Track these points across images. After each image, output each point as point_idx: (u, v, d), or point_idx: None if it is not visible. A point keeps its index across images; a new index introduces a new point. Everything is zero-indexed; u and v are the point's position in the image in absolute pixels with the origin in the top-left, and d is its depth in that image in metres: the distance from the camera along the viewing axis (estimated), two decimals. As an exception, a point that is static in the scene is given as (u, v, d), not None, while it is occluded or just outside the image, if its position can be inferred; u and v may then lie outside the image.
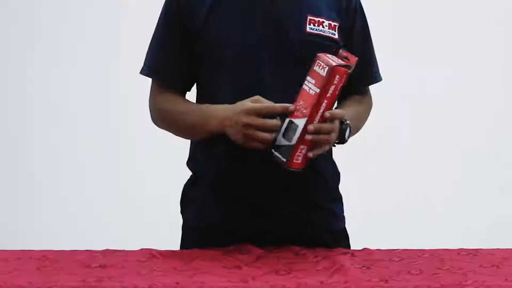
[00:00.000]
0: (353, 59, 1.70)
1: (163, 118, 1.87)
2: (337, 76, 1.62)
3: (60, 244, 2.12)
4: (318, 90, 1.63)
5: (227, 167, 1.81)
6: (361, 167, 3.47)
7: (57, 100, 3.87)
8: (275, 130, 1.66)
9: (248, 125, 1.67)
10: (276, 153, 1.66)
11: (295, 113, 1.65)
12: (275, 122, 1.66)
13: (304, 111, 1.64)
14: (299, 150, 1.64)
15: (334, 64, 1.62)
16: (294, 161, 1.65)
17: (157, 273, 1.51)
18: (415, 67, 3.79)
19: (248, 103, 1.69)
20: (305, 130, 1.63)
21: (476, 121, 3.80)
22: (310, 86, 1.65)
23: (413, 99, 3.80)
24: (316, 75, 1.64)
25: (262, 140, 1.66)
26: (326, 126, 1.66)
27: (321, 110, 1.63)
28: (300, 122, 1.64)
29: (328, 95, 1.63)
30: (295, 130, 1.64)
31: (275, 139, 1.66)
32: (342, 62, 1.65)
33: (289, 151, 1.64)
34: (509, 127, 3.83)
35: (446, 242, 1.93)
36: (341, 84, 1.63)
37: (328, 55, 1.66)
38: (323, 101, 1.63)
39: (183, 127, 1.83)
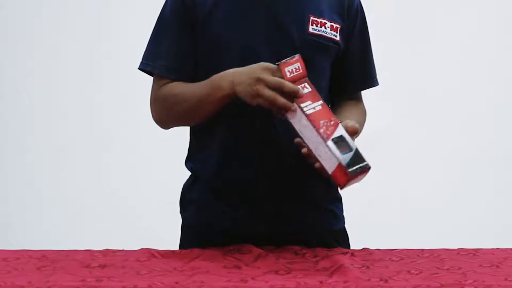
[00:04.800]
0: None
1: (168, 107, 1.81)
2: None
3: (60, 244, 2.12)
4: (321, 102, 1.61)
5: (226, 167, 1.81)
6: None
7: (57, 100, 3.87)
8: (285, 92, 1.61)
9: (259, 80, 1.63)
10: (358, 167, 1.57)
11: (328, 131, 1.58)
12: (281, 82, 1.61)
13: (332, 123, 1.60)
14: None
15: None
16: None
17: (157, 273, 1.51)
18: (415, 68, 3.79)
19: (265, 63, 1.66)
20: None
21: (476, 121, 3.81)
22: (313, 106, 1.61)
23: (413, 100, 3.80)
24: (307, 96, 1.62)
25: (268, 98, 1.61)
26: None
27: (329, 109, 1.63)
28: (342, 131, 1.59)
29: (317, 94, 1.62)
30: (345, 139, 1.59)
31: (342, 165, 1.56)
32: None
33: (359, 154, 1.59)
34: (509, 127, 3.83)
35: (446, 242, 1.93)
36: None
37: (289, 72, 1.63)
38: (324, 103, 1.62)
39: (193, 104, 1.76)
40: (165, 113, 1.83)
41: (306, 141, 1.59)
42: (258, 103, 1.64)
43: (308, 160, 1.62)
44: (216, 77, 1.71)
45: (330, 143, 1.57)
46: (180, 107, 1.78)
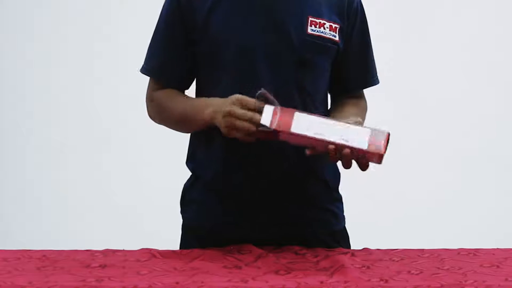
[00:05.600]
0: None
1: (160, 112, 1.87)
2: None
3: (60, 244, 2.12)
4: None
5: (226, 167, 1.81)
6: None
7: (57, 100, 3.87)
8: (254, 122, 1.62)
9: (229, 114, 1.65)
10: (384, 130, 1.60)
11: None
12: (251, 114, 1.63)
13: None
14: None
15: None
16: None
17: (157, 273, 1.51)
18: (415, 69, 3.79)
19: (238, 95, 1.67)
20: None
21: (477, 121, 3.81)
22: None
23: (414, 100, 3.80)
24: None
25: (241, 129, 1.64)
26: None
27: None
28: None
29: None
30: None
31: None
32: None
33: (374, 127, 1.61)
34: (510, 127, 3.83)
35: (446, 242, 1.93)
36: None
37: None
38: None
39: (180, 121, 1.82)
40: (158, 118, 1.89)
41: (321, 137, 1.58)
42: (235, 137, 1.66)
43: (315, 157, 1.62)
44: (202, 102, 1.76)
45: (354, 124, 1.60)
46: (169, 120, 1.85)
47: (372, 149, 1.57)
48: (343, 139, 1.58)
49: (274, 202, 1.81)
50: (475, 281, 1.46)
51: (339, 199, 1.92)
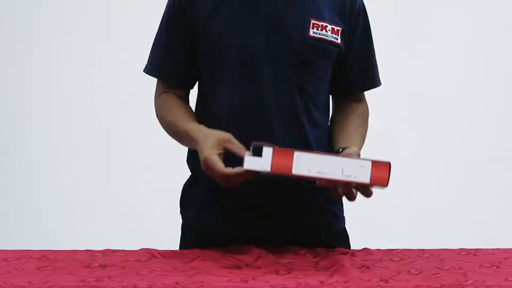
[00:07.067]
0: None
1: (160, 122, 1.88)
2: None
3: (60, 244, 2.12)
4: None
5: (225, 168, 1.81)
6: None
7: (57, 99, 3.87)
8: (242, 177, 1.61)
9: (205, 164, 1.64)
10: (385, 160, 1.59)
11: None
12: (231, 173, 1.61)
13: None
14: None
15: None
16: None
17: (157, 273, 1.51)
18: (415, 69, 3.79)
19: (208, 152, 1.64)
20: None
21: (477, 122, 3.81)
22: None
23: (413, 101, 3.80)
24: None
25: (220, 180, 1.64)
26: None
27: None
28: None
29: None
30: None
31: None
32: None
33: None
34: (510, 127, 3.83)
35: (446, 242, 1.93)
36: None
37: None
38: None
39: (177, 137, 1.83)
40: (160, 122, 1.88)
41: (323, 176, 1.57)
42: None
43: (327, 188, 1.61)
44: (195, 130, 1.73)
45: (353, 157, 1.60)
46: (169, 132, 1.84)
47: (375, 182, 1.56)
48: (345, 175, 1.56)
49: (274, 202, 1.81)
50: (475, 281, 1.46)
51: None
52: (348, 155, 1.63)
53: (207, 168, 1.64)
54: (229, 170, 1.60)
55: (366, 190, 1.59)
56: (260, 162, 1.58)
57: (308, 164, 1.57)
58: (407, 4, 3.82)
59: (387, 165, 1.56)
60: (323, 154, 1.59)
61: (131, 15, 3.79)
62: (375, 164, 1.56)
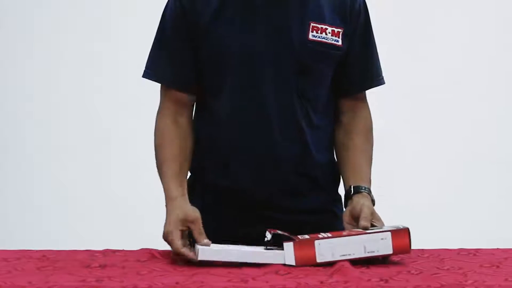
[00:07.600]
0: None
1: (154, 144, 1.87)
2: None
3: (60, 244, 2.11)
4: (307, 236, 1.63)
5: (225, 170, 1.81)
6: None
7: (57, 99, 3.87)
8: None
9: (168, 239, 1.67)
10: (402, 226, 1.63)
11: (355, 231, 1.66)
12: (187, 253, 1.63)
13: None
14: None
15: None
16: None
17: (157, 273, 1.51)
18: (416, 70, 3.79)
19: (170, 227, 1.67)
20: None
21: (478, 123, 3.81)
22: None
23: (413, 102, 3.80)
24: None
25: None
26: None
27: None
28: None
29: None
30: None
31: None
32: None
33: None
34: (510, 130, 3.83)
35: (446, 242, 1.93)
36: None
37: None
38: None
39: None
40: (154, 144, 1.88)
41: (347, 258, 1.58)
42: None
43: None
44: (171, 197, 1.75)
45: (372, 230, 1.63)
46: (156, 163, 1.84)
47: (398, 251, 1.61)
48: (368, 252, 1.60)
49: (274, 203, 1.81)
50: (475, 281, 1.45)
51: (339, 200, 1.91)
52: (366, 229, 1.64)
53: (166, 240, 1.67)
54: (185, 251, 1.63)
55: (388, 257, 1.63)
56: (282, 255, 1.59)
57: (330, 250, 1.60)
58: (407, 4, 3.82)
59: (406, 232, 1.61)
60: (342, 236, 1.61)
61: (131, 15, 3.79)
62: (395, 233, 1.60)
